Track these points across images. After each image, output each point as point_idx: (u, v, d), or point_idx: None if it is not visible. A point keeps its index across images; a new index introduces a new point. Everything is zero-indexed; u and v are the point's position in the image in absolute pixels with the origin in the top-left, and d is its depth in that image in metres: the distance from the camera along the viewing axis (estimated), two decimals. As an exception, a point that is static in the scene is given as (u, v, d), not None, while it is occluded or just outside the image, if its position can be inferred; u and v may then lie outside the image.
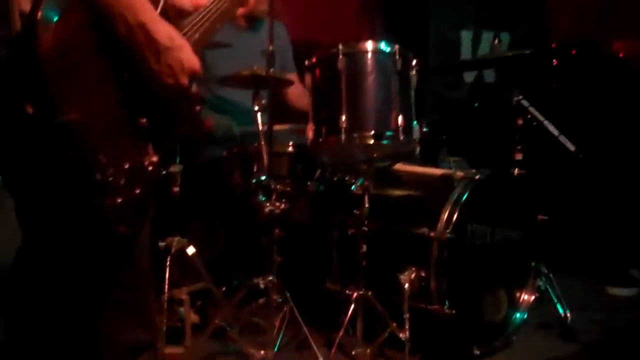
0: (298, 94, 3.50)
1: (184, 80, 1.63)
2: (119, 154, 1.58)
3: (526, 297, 2.91)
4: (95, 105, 1.54)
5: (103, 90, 1.57)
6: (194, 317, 2.81)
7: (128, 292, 1.73)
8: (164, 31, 1.59)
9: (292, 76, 3.55)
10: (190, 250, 2.74)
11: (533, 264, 2.94)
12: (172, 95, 1.65)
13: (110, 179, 1.54)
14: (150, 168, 1.65)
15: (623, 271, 3.56)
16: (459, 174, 2.78)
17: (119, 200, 1.56)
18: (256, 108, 2.79)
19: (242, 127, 3.20)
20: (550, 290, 2.99)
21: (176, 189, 2.72)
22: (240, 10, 3.29)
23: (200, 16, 1.85)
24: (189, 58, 1.63)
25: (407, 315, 2.51)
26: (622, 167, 4.00)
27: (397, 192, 2.94)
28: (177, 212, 2.72)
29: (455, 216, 2.62)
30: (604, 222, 3.96)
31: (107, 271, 1.68)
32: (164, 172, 1.91)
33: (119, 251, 1.69)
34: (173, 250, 2.69)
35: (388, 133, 2.57)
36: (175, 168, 2.70)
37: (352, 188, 2.90)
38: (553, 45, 4.42)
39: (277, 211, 2.64)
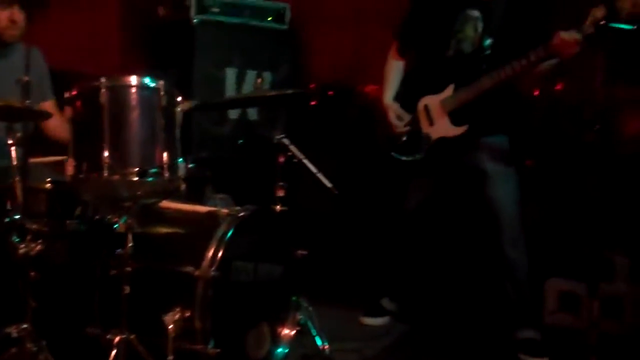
0: (56, 124, 3.33)
1: None
2: None
3: (288, 331, 2.99)
4: None
5: None
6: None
7: None
8: None
9: (50, 104, 3.38)
10: None
11: (294, 298, 3.04)
12: None
13: None
14: None
15: (375, 302, 3.79)
16: (224, 211, 2.81)
17: None
18: (10, 141, 2.61)
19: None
20: (309, 323, 3.10)
21: None
22: None
23: None
24: None
25: (171, 358, 2.47)
26: (373, 202, 4.30)
27: (162, 230, 2.90)
28: None
29: (220, 254, 2.64)
30: (359, 254, 4.22)
31: None
32: None
33: None
34: None
35: (152, 170, 2.54)
36: None
37: (115, 226, 2.81)
38: (312, 86, 4.67)
39: (33, 252, 2.49)
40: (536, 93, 4.28)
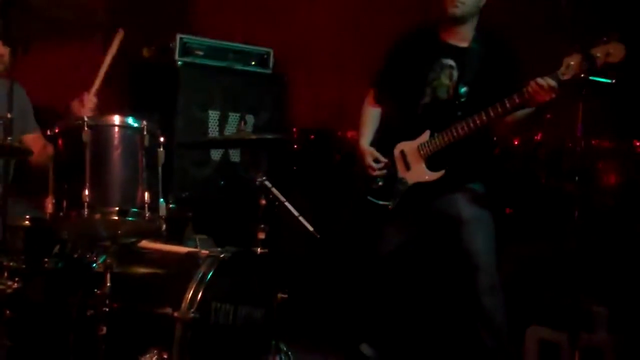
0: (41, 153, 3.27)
1: None
2: None
3: (266, 375, 2.95)
4: None
5: None
6: None
7: None
8: None
9: (36, 133, 3.34)
10: None
11: (273, 342, 3.00)
12: None
13: None
14: None
15: (354, 347, 3.75)
16: (204, 252, 2.79)
17: None
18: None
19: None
20: (289, 367, 3.07)
21: None
22: None
23: None
24: None
25: (148, 401, 2.42)
26: (352, 246, 4.29)
27: (141, 271, 2.87)
28: None
29: (199, 295, 2.61)
30: (339, 299, 4.19)
31: None
32: None
33: None
34: None
35: (133, 209, 2.54)
36: None
37: (93, 266, 2.78)
38: (294, 130, 4.69)
39: (9, 290, 2.45)
40: (516, 142, 4.34)
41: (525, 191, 4.19)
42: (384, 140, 3.49)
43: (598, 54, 2.92)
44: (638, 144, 4.06)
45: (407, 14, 4.19)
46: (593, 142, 3.92)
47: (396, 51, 3.53)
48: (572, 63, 2.97)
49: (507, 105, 3.09)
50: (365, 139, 3.52)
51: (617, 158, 4.09)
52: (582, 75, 2.97)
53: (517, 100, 3.07)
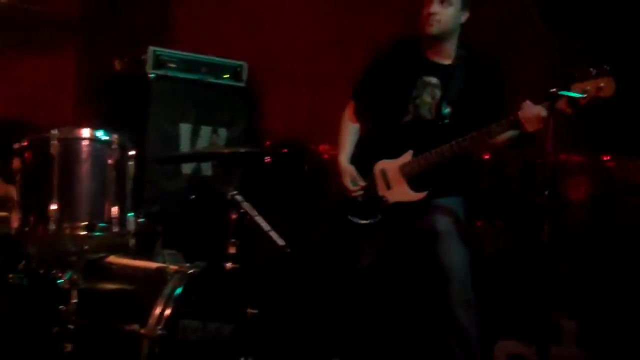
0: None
1: None
2: None
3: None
4: None
5: None
6: None
7: None
8: None
9: None
10: None
11: (243, 358, 2.98)
12: None
13: None
14: None
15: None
16: (173, 267, 2.77)
17: None
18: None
19: None
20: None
21: None
22: None
23: None
24: None
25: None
26: (324, 261, 4.28)
27: (108, 287, 2.83)
28: None
29: (167, 312, 2.59)
30: (310, 314, 4.17)
31: None
32: None
33: None
34: None
35: (101, 224, 2.52)
36: None
37: (60, 282, 2.73)
38: (267, 143, 4.68)
39: (-28, 307, 2.41)
40: (487, 156, 4.37)
41: (496, 205, 4.21)
42: (364, 157, 3.47)
43: (588, 87, 2.90)
44: (607, 158, 4.11)
45: (384, 29, 4.20)
46: (562, 156, 3.96)
47: (377, 63, 3.49)
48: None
49: (494, 130, 3.08)
50: (345, 154, 3.48)
51: (586, 173, 4.12)
52: (554, 90, 2.97)
53: (505, 126, 3.05)
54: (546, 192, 3.05)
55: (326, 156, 4.40)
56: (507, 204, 4.24)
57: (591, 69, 2.92)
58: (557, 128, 3.00)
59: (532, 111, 2.98)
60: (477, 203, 4.00)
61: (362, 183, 3.41)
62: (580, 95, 2.94)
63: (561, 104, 2.92)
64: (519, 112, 3.01)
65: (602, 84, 2.88)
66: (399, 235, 3.52)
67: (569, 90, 2.91)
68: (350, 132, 3.54)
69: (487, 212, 4.24)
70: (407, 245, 3.63)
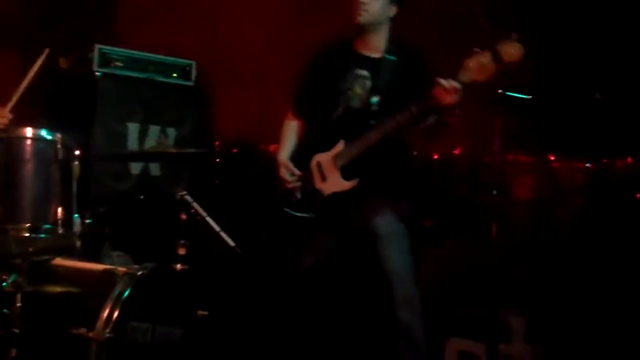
0: None
1: None
2: None
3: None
4: None
5: None
6: None
7: None
8: None
9: None
10: None
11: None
12: None
13: None
14: None
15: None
16: (121, 269, 2.72)
17: None
18: None
19: None
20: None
21: None
22: None
23: None
24: None
25: None
26: (274, 261, 4.26)
27: (54, 290, 2.76)
28: None
29: (115, 314, 2.54)
30: (261, 316, 4.15)
31: None
32: None
33: None
34: None
35: (46, 226, 2.47)
36: None
37: (3, 285, 2.66)
38: (216, 143, 4.65)
39: None
40: (435, 156, 4.42)
41: (443, 205, 4.26)
42: (303, 153, 3.49)
43: (502, 51, 2.98)
44: (552, 158, 4.19)
45: (331, 27, 4.21)
46: (509, 156, 4.03)
47: (313, 63, 3.56)
48: (470, 65, 3.03)
49: (414, 109, 3.13)
50: (284, 152, 3.52)
51: (532, 172, 4.21)
52: (500, 91, 3.03)
53: (423, 104, 3.11)
54: (494, 192, 3.10)
55: (275, 156, 4.39)
56: (455, 204, 4.29)
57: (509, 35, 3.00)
58: (504, 129, 3.06)
59: (444, 85, 3.04)
60: (424, 203, 4.04)
61: (298, 172, 3.42)
62: (526, 97, 3.02)
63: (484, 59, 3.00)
64: (434, 89, 3.07)
65: (511, 49, 2.94)
66: (343, 234, 3.52)
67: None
68: (289, 131, 3.58)
69: (435, 212, 4.29)
70: (350, 244, 3.64)
